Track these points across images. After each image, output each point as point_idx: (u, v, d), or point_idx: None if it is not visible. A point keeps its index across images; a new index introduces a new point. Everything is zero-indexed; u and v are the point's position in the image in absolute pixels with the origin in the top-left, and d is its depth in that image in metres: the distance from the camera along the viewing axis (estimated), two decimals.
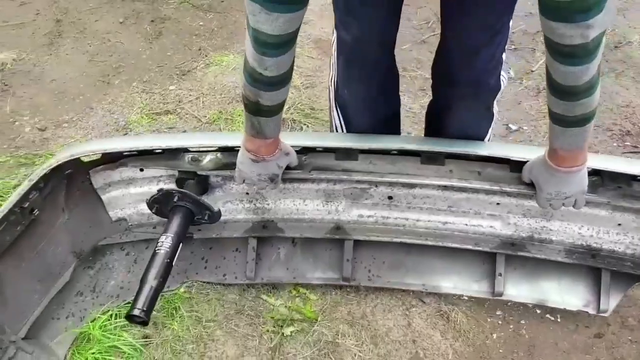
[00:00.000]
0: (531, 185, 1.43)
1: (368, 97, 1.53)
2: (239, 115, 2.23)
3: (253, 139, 1.33)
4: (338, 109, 1.60)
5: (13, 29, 2.67)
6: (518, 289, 1.63)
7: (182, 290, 1.64)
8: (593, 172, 1.45)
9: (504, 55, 1.43)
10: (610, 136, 2.23)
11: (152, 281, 1.31)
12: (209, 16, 2.81)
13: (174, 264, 1.38)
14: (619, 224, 1.54)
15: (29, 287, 1.42)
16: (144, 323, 1.29)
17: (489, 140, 1.63)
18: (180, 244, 1.42)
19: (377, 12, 1.37)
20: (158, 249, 1.38)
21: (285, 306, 1.65)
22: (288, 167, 1.47)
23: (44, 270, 1.45)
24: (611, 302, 1.58)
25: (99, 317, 1.53)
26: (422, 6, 2.89)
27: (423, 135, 1.82)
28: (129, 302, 1.58)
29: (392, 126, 1.70)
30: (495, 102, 1.54)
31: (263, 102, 1.21)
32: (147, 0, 2.89)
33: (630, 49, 2.63)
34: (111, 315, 1.53)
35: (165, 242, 1.39)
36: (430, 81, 1.63)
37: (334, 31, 1.48)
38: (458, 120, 1.55)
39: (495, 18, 1.32)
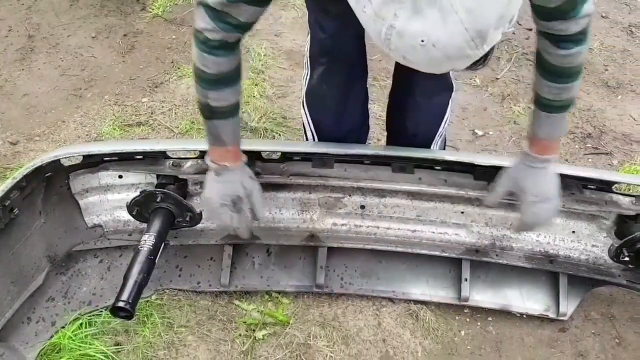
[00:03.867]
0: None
1: (345, 87, 1.59)
2: None
3: (213, 148, 1.36)
4: (306, 108, 1.66)
5: None
6: (483, 295, 1.70)
7: (153, 297, 1.66)
8: None
9: None
10: (572, 139, 2.31)
11: (136, 275, 1.32)
12: (182, 30, 2.84)
13: (156, 262, 1.39)
14: (573, 232, 1.65)
15: (3, 287, 1.42)
16: (129, 316, 1.29)
17: (451, 111, 1.73)
18: (163, 244, 1.44)
19: (349, 9, 1.44)
20: (141, 247, 1.39)
21: (258, 311, 1.66)
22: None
23: (18, 272, 1.45)
24: (569, 306, 1.66)
25: (69, 326, 1.53)
26: None
27: (385, 128, 1.89)
28: (100, 310, 1.60)
29: (364, 113, 1.74)
30: (452, 74, 1.62)
31: (212, 103, 1.26)
32: (120, 15, 2.91)
33: (590, 55, 2.73)
34: (82, 324, 1.53)
35: (148, 240, 1.40)
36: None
37: (308, 32, 1.56)
38: (422, 98, 1.62)
39: None
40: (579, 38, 1.15)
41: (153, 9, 2.95)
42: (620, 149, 2.24)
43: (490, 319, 1.70)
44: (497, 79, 2.60)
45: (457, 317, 1.70)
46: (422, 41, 0.79)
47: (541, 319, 1.68)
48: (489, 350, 1.62)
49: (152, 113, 2.33)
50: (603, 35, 2.88)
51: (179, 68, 2.57)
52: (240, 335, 1.60)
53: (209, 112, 1.29)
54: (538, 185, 1.36)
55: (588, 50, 1.25)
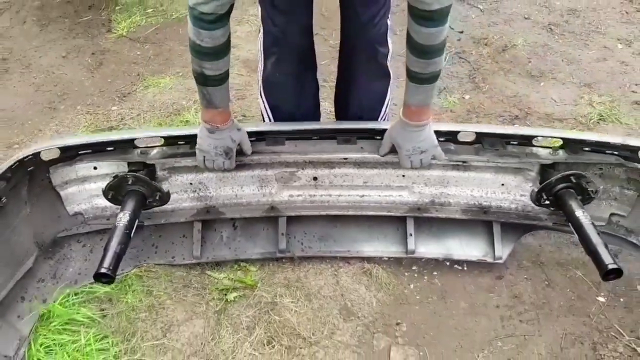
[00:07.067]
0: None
1: (296, 75, 1.81)
2: (178, 125, 2.47)
3: (206, 110, 1.56)
4: (263, 97, 1.88)
5: None
6: (427, 247, 1.91)
7: (133, 271, 1.83)
8: (476, 140, 1.78)
9: (389, 22, 1.76)
10: (502, 121, 2.59)
11: (115, 246, 1.46)
12: (146, 47, 3.06)
13: (131, 235, 1.54)
14: (502, 184, 1.85)
15: None
16: (111, 280, 1.44)
17: (390, 98, 1.94)
18: (137, 221, 1.59)
19: (294, 4, 1.67)
20: (117, 223, 1.53)
21: (228, 278, 1.85)
22: (240, 154, 1.70)
23: (9, 256, 1.60)
24: (504, 250, 1.87)
25: (57, 297, 1.69)
26: (336, 28, 3.22)
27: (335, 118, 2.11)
28: (86, 285, 1.76)
29: (315, 102, 1.96)
30: (388, 62, 1.84)
31: (207, 72, 1.45)
32: (87, 37, 3.12)
33: (516, 50, 3.05)
34: (69, 294, 1.70)
35: (123, 217, 1.56)
36: None
37: (260, 30, 1.77)
38: (364, 83, 1.85)
39: None
40: (438, 18, 1.34)
41: (118, 30, 3.17)
42: (544, 126, 2.53)
43: (435, 273, 1.91)
44: None
45: (406, 273, 1.91)
46: None
47: (480, 270, 1.89)
48: (435, 298, 1.82)
49: (122, 119, 2.53)
50: (526, 33, 3.21)
51: (144, 80, 2.79)
52: (213, 298, 1.78)
53: (204, 80, 1.48)
54: (411, 143, 1.64)
55: (447, 32, 1.40)
